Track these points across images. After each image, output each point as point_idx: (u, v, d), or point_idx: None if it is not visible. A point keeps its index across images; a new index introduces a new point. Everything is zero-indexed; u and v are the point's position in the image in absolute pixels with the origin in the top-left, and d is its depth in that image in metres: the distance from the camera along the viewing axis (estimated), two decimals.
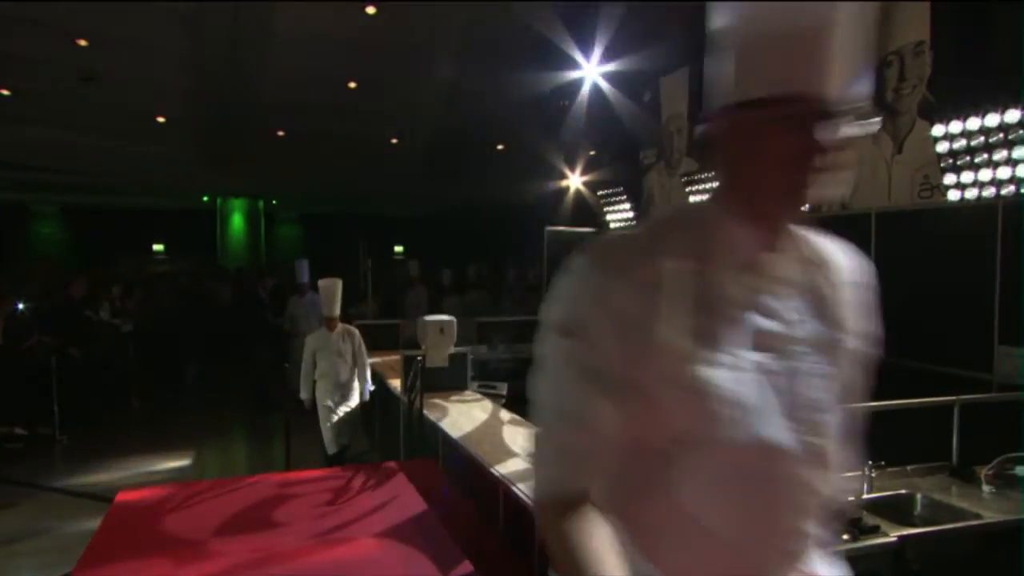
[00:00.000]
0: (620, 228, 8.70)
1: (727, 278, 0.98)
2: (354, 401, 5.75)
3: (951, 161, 4.32)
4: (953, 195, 4.38)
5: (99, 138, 11.71)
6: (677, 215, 1.08)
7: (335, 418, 5.66)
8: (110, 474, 6.03)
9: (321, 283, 5.71)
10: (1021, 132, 3.94)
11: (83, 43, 8.50)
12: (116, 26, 8.15)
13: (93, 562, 3.25)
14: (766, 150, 0.94)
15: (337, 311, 5.65)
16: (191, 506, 3.94)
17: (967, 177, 4.26)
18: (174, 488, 4.31)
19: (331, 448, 5.68)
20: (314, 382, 5.65)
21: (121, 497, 4.09)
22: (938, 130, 4.36)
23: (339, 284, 5.65)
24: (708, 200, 1.05)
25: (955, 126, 4.25)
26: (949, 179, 4.37)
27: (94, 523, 3.89)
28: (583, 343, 0.95)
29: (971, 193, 4.27)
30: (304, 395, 5.67)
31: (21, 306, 8.07)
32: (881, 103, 5.08)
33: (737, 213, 0.99)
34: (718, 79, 1.00)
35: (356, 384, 5.74)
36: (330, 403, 5.65)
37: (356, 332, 5.75)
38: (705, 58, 1.06)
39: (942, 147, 4.35)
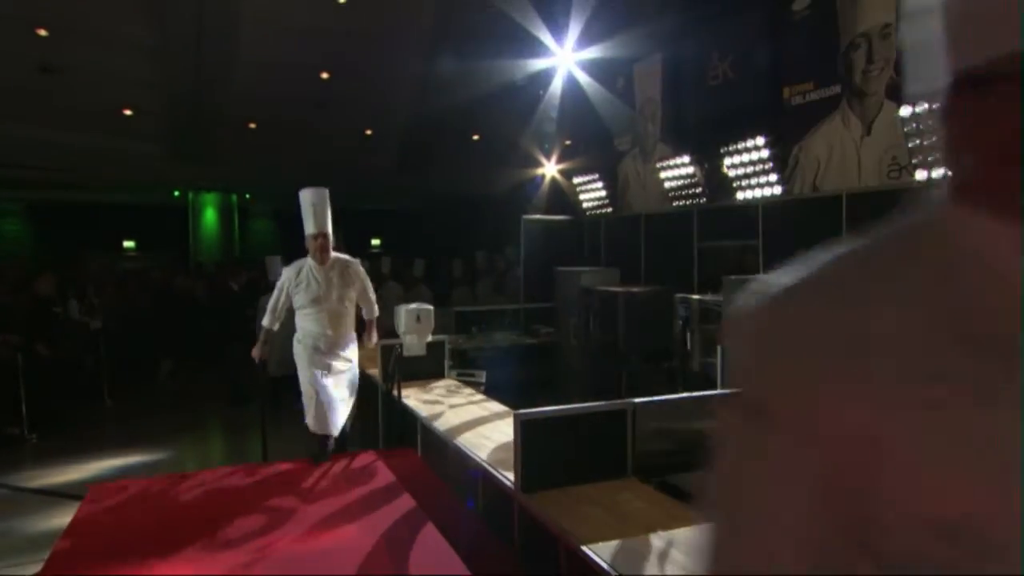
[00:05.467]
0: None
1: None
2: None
3: (918, 141, 4.40)
4: (921, 175, 4.46)
5: (64, 132, 11.41)
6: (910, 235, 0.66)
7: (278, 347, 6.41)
8: (81, 473, 5.90)
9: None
10: None
11: (43, 33, 8.27)
12: (77, 14, 7.95)
13: (64, 556, 3.19)
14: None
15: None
16: (166, 499, 3.89)
17: (934, 157, 4.33)
18: (148, 481, 4.24)
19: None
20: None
21: (93, 491, 4.02)
22: (905, 111, 4.43)
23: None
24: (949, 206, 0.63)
25: (921, 107, 4.31)
26: (916, 159, 4.45)
27: (65, 521, 3.81)
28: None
29: (938, 172, 4.35)
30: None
31: None
32: (850, 85, 5.15)
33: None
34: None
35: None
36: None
37: None
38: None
39: (909, 128, 4.42)
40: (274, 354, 6.42)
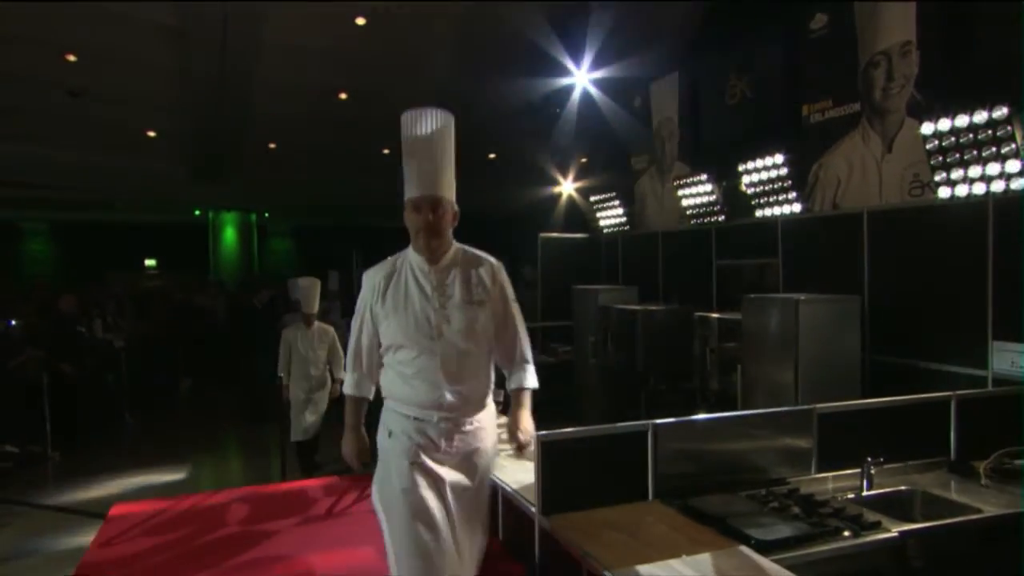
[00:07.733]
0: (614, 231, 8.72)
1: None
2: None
3: (941, 159, 4.35)
4: (943, 192, 4.40)
5: (89, 154, 11.66)
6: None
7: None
8: (103, 491, 5.95)
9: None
10: (1009, 128, 3.97)
11: (72, 58, 8.48)
12: (104, 40, 8.14)
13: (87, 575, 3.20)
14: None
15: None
16: (186, 519, 3.90)
17: (957, 174, 4.29)
18: (169, 501, 4.26)
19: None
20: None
21: (115, 511, 4.05)
22: (927, 128, 4.38)
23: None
24: None
25: (944, 124, 4.28)
26: (939, 177, 4.39)
27: (87, 540, 3.83)
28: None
29: (961, 190, 4.29)
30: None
31: (13, 323, 8.00)
32: (869, 103, 5.12)
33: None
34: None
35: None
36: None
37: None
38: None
39: (931, 145, 4.38)
40: (296, 420, 5.78)
